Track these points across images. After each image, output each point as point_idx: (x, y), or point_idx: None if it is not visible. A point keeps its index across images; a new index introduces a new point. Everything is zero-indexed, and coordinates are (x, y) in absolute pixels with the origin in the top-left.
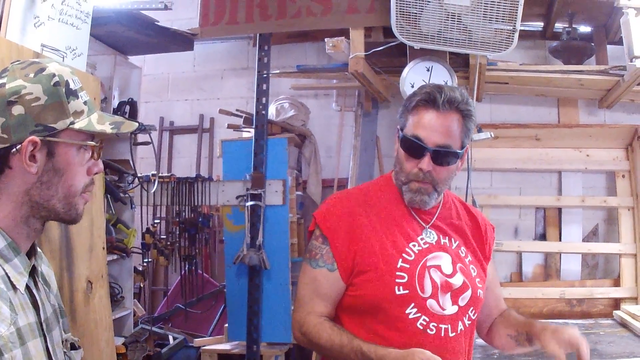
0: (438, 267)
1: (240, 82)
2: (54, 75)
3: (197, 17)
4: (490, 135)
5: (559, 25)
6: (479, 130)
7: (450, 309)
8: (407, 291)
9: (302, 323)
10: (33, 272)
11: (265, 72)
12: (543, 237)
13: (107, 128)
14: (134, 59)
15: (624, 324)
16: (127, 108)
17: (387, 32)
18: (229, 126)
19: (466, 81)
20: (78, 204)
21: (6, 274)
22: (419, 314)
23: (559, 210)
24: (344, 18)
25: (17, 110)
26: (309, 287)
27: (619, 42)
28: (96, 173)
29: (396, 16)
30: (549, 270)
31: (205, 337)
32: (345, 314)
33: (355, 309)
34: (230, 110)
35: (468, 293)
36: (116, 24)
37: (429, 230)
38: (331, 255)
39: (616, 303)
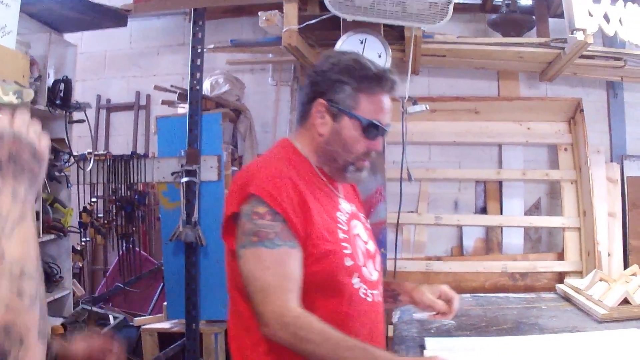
0: (358, 236)
1: (177, 59)
2: None
3: None
4: (426, 108)
5: None
6: (414, 103)
7: (375, 275)
8: (352, 262)
9: (284, 314)
10: None
11: (199, 47)
12: (484, 210)
13: (14, 99)
14: (69, 37)
15: (567, 298)
16: (62, 86)
17: (323, 5)
18: (163, 102)
19: (402, 54)
20: None
21: None
22: (361, 284)
23: (500, 183)
24: None
25: None
26: (273, 271)
27: (561, 15)
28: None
29: None
30: (491, 244)
31: (145, 316)
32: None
33: (308, 288)
34: (166, 87)
35: (378, 257)
36: (50, 1)
37: (342, 199)
38: (288, 232)
39: (560, 277)
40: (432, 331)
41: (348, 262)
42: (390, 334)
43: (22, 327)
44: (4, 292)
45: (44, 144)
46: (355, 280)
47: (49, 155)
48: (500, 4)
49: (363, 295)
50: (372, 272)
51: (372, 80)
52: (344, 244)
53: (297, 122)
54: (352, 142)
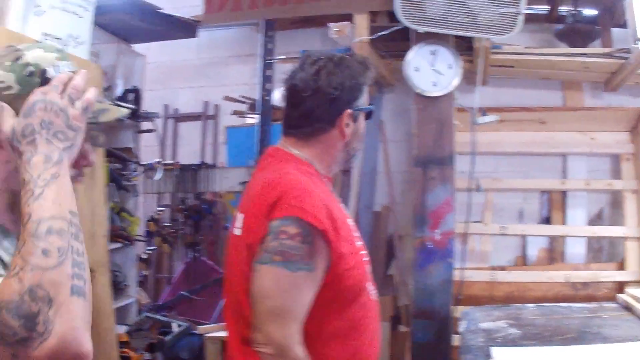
0: (359, 238)
1: (245, 69)
2: (28, 64)
3: (201, 4)
4: (496, 119)
5: (563, 9)
6: (484, 114)
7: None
8: (369, 266)
9: (290, 348)
10: None
11: (269, 58)
12: (547, 220)
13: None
14: (137, 47)
15: (627, 308)
16: (131, 96)
17: (393, 16)
18: (235, 112)
19: (471, 65)
20: None
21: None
22: (371, 286)
23: (564, 193)
24: (348, 3)
25: None
26: (288, 295)
27: (624, 25)
28: (85, 166)
29: (401, 0)
30: (554, 253)
31: (209, 324)
32: (317, 313)
33: (341, 299)
34: (235, 97)
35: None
36: (120, 12)
37: (340, 203)
38: (311, 254)
39: (620, 287)
40: (498, 340)
41: (368, 269)
42: (457, 343)
43: (49, 285)
44: (27, 253)
45: (78, 109)
46: (369, 283)
47: (86, 115)
48: (565, 14)
49: (373, 297)
50: (368, 269)
51: (368, 73)
52: (363, 252)
53: (303, 133)
54: (363, 132)
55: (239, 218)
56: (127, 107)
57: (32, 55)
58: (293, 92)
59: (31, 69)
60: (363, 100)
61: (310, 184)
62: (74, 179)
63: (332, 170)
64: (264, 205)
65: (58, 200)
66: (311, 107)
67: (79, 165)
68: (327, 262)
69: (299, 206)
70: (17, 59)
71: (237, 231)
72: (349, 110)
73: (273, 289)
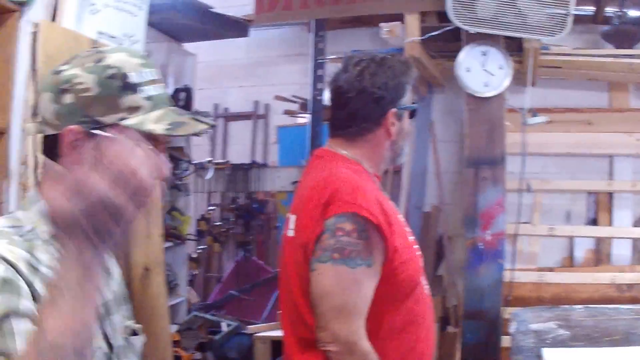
0: (411, 233)
1: (295, 69)
2: (110, 66)
3: (251, 4)
4: (545, 120)
5: (609, 10)
6: (534, 115)
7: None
8: (422, 261)
9: (357, 343)
10: None
11: (320, 57)
12: (594, 222)
13: (159, 128)
14: (187, 46)
15: None
16: (183, 95)
17: (441, 16)
18: (286, 112)
19: (520, 65)
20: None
21: None
22: (425, 281)
23: (610, 195)
24: (399, 2)
25: (68, 98)
26: (351, 292)
27: None
28: (154, 176)
29: (452, 0)
30: (600, 255)
31: (259, 323)
32: (374, 309)
33: (395, 295)
34: (286, 97)
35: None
36: (171, 11)
37: (389, 200)
38: (369, 249)
39: None
40: (548, 341)
41: (421, 263)
42: (506, 344)
43: None
44: None
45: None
46: (423, 278)
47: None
48: (611, 15)
49: (427, 291)
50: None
51: (411, 73)
52: (415, 247)
53: (349, 133)
54: (408, 130)
55: (292, 219)
56: (206, 123)
57: (114, 58)
58: (338, 94)
59: (113, 71)
60: (407, 99)
61: (361, 181)
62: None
63: (380, 169)
64: (318, 205)
65: (70, 315)
66: (356, 108)
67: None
68: (383, 256)
69: (353, 202)
70: (99, 60)
71: (291, 232)
72: (394, 110)
73: (335, 286)
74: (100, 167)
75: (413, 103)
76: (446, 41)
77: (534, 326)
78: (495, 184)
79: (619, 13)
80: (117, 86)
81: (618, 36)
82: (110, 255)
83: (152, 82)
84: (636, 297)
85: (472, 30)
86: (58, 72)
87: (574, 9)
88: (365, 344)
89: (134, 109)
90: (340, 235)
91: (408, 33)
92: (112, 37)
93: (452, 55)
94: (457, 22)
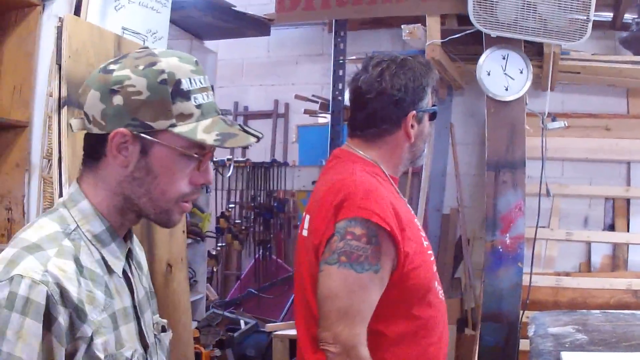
0: (425, 238)
1: (315, 68)
2: (162, 71)
3: (272, 3)
4: (564, 124)
5: (628, 16)
6: (553, 119)
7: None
8: (435, 266)
9: (356, 348)
10: (128, 256)
11: (341, 58)
12: (611, 227)
13: (209, 138)
14: (208, 44)
15: None
16: None
17: (461, 19)
18: (306, 111)
19: (540, 70)
20: (171, 211)
21: (103, 258)
22: (438, 286)
23: (628, 201)
24: (421, 5)
25: (117, 100)
26: (356, 296)
27: None
28: (202, 184)
29: (473, 4)
30: (617, 260)
31: (277, 322)
32: (385, 313)
33: (406, 299)
34: (306, 96)
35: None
36: (193, 9)
37: (406, 203)
38: (378, 254)
39: None
40: (567, 345)
41: (434, 268)
42: (525, 347)
43: None
44: None
45: None
46: (436, 283)
47: None
48: (630, 22)
49: (442, 297)
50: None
51: (433, 74)
52: (429, 252)
53: (368, 134)
54: (428, 133)
55: (307, 219)
56: (255, 135)
57: (167, 63)
58: (358, 94)
59: (165, 76)
60: (427, 101)
61: (377, 184)
62: (187, 197)
63: (399, 171)
64: (330, 207)
65: None
66: (376, 109)
67: (195, 183)
68: (394, 262)
69: (365, 207)
70: (152, 64)
71: (305, 232)
72: (414, 112)
73: (340, 289)
74: (148, 172)
75: (434, 105)
76: (467, 44)
77: (553, 330)
78: (515, 187)
79: (638, 20)
80: (169, 92)
81: (636, 42)
82: (141, 248)
83: (202, 89)
84: None
85: (493, 33)
86: (108, 71)
87: (593, 15)
88: (364, 351)
89: (184, 116)
90: (349, 239)
91: (429, 35)
92: (136, 33)
93: (473, 58)
94: (478, 26)
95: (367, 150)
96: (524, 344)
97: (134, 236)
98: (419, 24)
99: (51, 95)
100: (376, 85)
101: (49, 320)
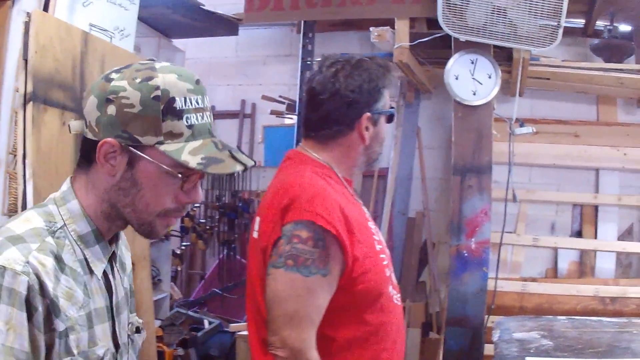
0: (381, 241)
1: (283, 69)
2: (157, 87)
3: (241, 2)
4: (532, 130)
5: (600, 23)
6: (521, 125)
7: (394, 278)
8: (389, 270)
9: (305, 353)
10: (112, 258)
11: (309, 59)
12: (579, 234)
13: (193, 161)
14: (177, 43)
15: None
16: None
17: (431, 23)
18: (272, 112)
19: (509, 75)
20: (154, 224)
21: (85, 258)
22: (393, 290)
23: (596, 208)
24: (390, 8)
25: (110, 110)
26: (303, 300)
27: None
28: (186, 203)
29: (443, 8)
30: (584, 267)
31: (240, 322)
32: (334, 318)
33: (357, 304)
34: (273, 97)
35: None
36: (162, 7)
37: (363, 206)
38: (325, 258)
39: None
40: (532, 351)
41: (387, 273)
42: (489, 352)
43: None
44: None
45: None
46: (390, 288)
47: None
48: (601, 29)
49: (396, 301)
50: (392, 273)
51: (390, 75)
52: (382, 256)
53: (322, 136)
54: (382, 135)
55: (257, 221)
56: (243, 164)
57: (164, 80)
58: (312, 95)
59: (158, 93)
60: (383, 104)
61: (325, 187)
62: (171, 213)
63: (352, 173)
64: (277, 209)
65: None
66: (329, 110)
67: (179, 201)
68: (342, 265)
69: (312, 210)
70: (149, 78)
71: (255, 234)
72: (368, 114)
73: (287, 293)
74: (133, 184)
75: (391, 107)
76: (435, 48)
77: (518, 335)
78: (481, 192)
79: (609, 27)
80: (160, 109)
81: (607, 50)
82: (128, 247)
83: (198, 110)
84: (620, 310)
85: (462, 38)
86: (109, 80)
87: (564, 21)
88: (314, 354)
89: (173, 135)
90: (296, 242)
91: (397, 38)
92: (103, 30)
93: (441, 62)
94: (447, 30)
95: (320, 151)
96: (488, 349)
97: (123, 236)
98: (388, 27)
99: (17, 91)
100: (329, 86)
101: (29, 310)
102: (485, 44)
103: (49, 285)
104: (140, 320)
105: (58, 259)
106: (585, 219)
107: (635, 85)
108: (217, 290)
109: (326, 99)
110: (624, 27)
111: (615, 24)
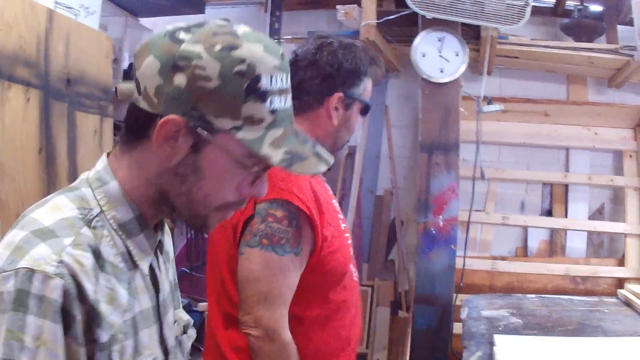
0: (343, 220)
1: None
2: (242, 60)
3: None
4: (501, 108)
5: (570, 3)
6: (489, 103)
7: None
8: (352, 250)
9: (278, 332)
10: (157, 248)
11: (276, 37)
12: (549, 213)
13: (276, 155)
14: (144, 21)
15: (628, 303)
16: None
17: (398, 0)
18: None
19: (476, 53)
20: (208, 217)
21: (128, 251)
22: (353, 267)
23: (566, 187)
24: None
25: (179, 79)
26: (277, 279)
27: (630, 22)
28: (249, 196)
29: None
30: (554, 246)
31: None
32: (300, 296)
33: (323, 283)
34: None
35: None
36: None
37: (325, 183)
38: (298, 237)
39: (620, 283)
40: (501, 329)
41: (351, 252)
42: (458, 330)
43: None
44: None
45: None
46: (351, 266)
47: None
48: (572, 8)
49: (356, 279)
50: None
51: (369, 66)
52: (347, 235)
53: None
54: (355, 125)
55: None
56: (327, 162)
57: (250, 51)
58: (291, 63)
59: (243, 68)
60: (360, 91)
61: None
62: (231, 206)
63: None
64: None
65: None
66: (302, 79)
67: (242, 193)
68: (312, 245)
69: (286, 189)
70: (232, 47)
71: None
72: (341, 94)
73: (261, 272)
74: (194, 171)
75: (366, 104)
76: (403, 26)
77: (486, 313)
78: (448, 169)
79: (580, 7)
80: (242, 88)
81: (577, 29)
82: (169, 233)
83: (282, 92)
84: (591, 290)
85: (429, 15)
86: (177, 40)
87: (533, 0)
88: (286, 334)
89: (253, 120)
90: (270, 221)
91: (364, 16)
92: (69, 7)
93: (409, 40)
94: (414, 7)
95: None
96: (457, 328)
97: (165, 223)
98: (355, 5)
99: None
100: (310, 56)
101: (66, 320)
102: (452, 22)
103: (89, 288)
104: (187, 318)
105: (97, 255)
106: (556, 198)
107: (605, 64)
108: (185, 270)
109: (302, 67)
110: (595, 7)
111: (585, 4)
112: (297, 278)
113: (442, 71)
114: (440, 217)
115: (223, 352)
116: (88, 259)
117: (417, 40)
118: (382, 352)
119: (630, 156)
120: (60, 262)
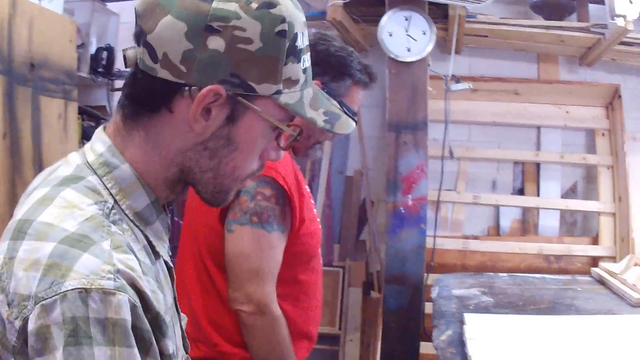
0: (314, 204)
1: None
2: (283, 19)
3: None
4: (469, 87)
5: None
6: (457, 81)
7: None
8: (321, 234)
9: (268, 306)
10: None
11: None
12: (521, 192)
13: (319, 118)
14: (111, 6)
15: (601, 282)
16: (105, 54)
17: None
18: None
19: (445, 32)
20: (232, 190)
21: (150, 242)
22: (319, 252)
23: (538, 165)
24: None
25: (215, 43)
26: (267, 256)
27: (600, 1)
28: (269, 159)
29: None
30: (527, 225)
31: None
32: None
33: (295, 263)
34: None
35: None
36: None
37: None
38: (283, 216)
39: (594, 261)
40: (471, 307)
41: (321, 235)
42: (430, 310)
43: None
44: None
45: None
46: (319, 250)
47: None
48: None
49: (321, 260)
50: None
51: (365, 75)
52: (319, 219)
53: None
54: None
55: None
56: (354, 119)
57: (287, 8)
58: None
59: (284, 27)
60: (341, 90)
61: None
62: (254, 173)
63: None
64: None
65: None
66: None
67: (265, 156)
68: (290, 226)
69: (274, 168)
70: (270, 5)
71: None
72: (319, 82)
73: (252, 249)
74: (227, 143)
75: (353, 113)
76: (370, 6)
77: (457, 292)
78: (416, 148)
79: None
80: (284, 49)
81: (548, 8)
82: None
83: (308, 49)
84: (565, 268)
85: None
86: None
87: None
88: (276, 308)
89: (290, 82)
90: (259, 199)
91: None
92: None
93: (376, 20)
94: None
95: None
96: (429, 307)
97: None
98: None
99: None
100: None
101: (142, 340)
102: (419, 1)
103: (150, 295)
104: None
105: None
106: (527, 177)
107: (575, 43)
108: None
109: None
110: None
111: None
112: (282, 254)
113: (409, 50)
114: (410, 196)
115: (199, 321)
116: (134, 261)
117: (384, 19)
118: (354, 333)
119: (603, 134)
120: (117, 271)
